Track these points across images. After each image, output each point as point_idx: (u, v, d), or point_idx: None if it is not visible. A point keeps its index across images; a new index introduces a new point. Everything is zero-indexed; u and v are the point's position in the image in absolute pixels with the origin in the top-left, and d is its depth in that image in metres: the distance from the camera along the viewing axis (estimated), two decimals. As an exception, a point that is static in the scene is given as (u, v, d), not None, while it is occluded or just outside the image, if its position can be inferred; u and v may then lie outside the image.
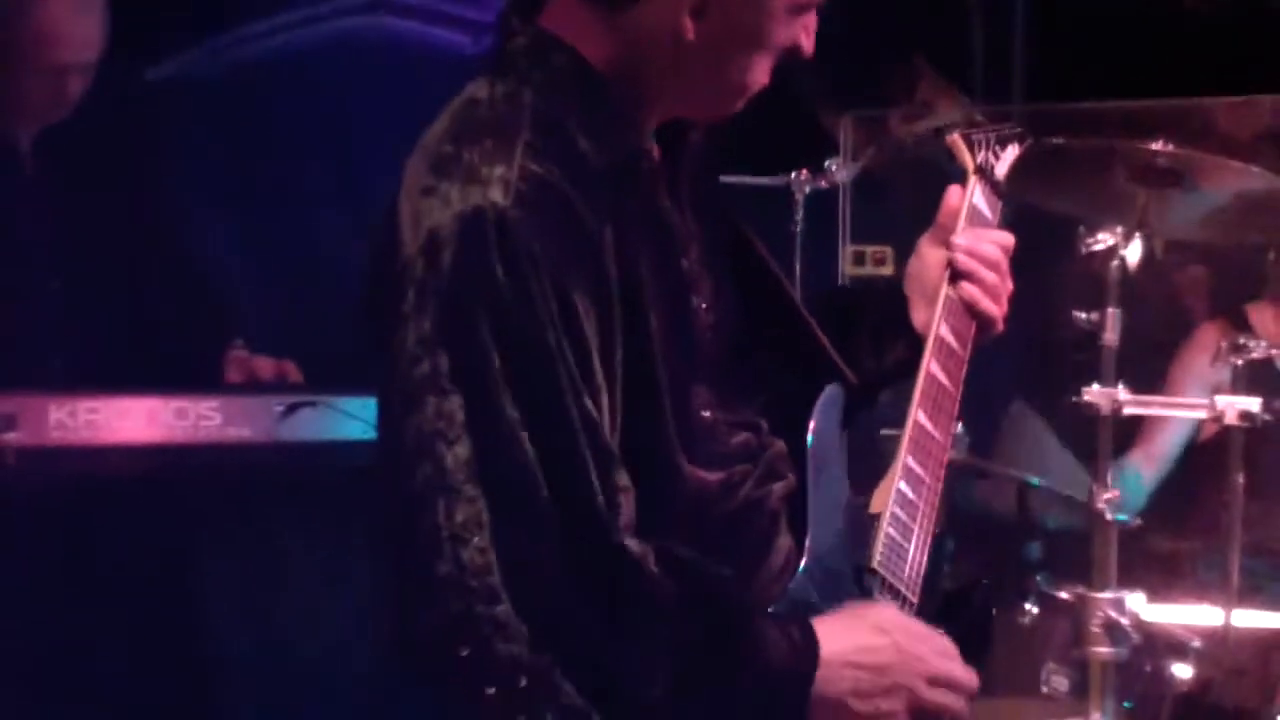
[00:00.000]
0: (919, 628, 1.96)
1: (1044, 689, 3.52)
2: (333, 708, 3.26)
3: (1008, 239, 2.31)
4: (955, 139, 2.52)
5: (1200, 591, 3.74)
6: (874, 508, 2.08)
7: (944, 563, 2.20)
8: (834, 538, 2.03)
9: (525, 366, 1.72)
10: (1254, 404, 3.37)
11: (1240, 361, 3.63)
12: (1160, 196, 3.46)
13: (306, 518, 3.19)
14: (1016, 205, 4.75)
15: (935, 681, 1.91)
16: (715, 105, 2.00)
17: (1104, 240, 3.49)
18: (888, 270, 4.31)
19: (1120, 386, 3.40)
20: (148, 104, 3.72)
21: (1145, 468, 4.31)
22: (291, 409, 3.14)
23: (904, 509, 2.08)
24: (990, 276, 2.25)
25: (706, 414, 1.96)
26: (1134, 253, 3.50)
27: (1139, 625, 3.34)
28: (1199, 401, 3.60)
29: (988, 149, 2.52)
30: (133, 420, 3.03)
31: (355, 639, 3.13)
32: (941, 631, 2.01)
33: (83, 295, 3.41)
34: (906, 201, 4.35)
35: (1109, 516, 3.39)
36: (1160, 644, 3.40)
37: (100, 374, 3.25)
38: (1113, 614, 3.33)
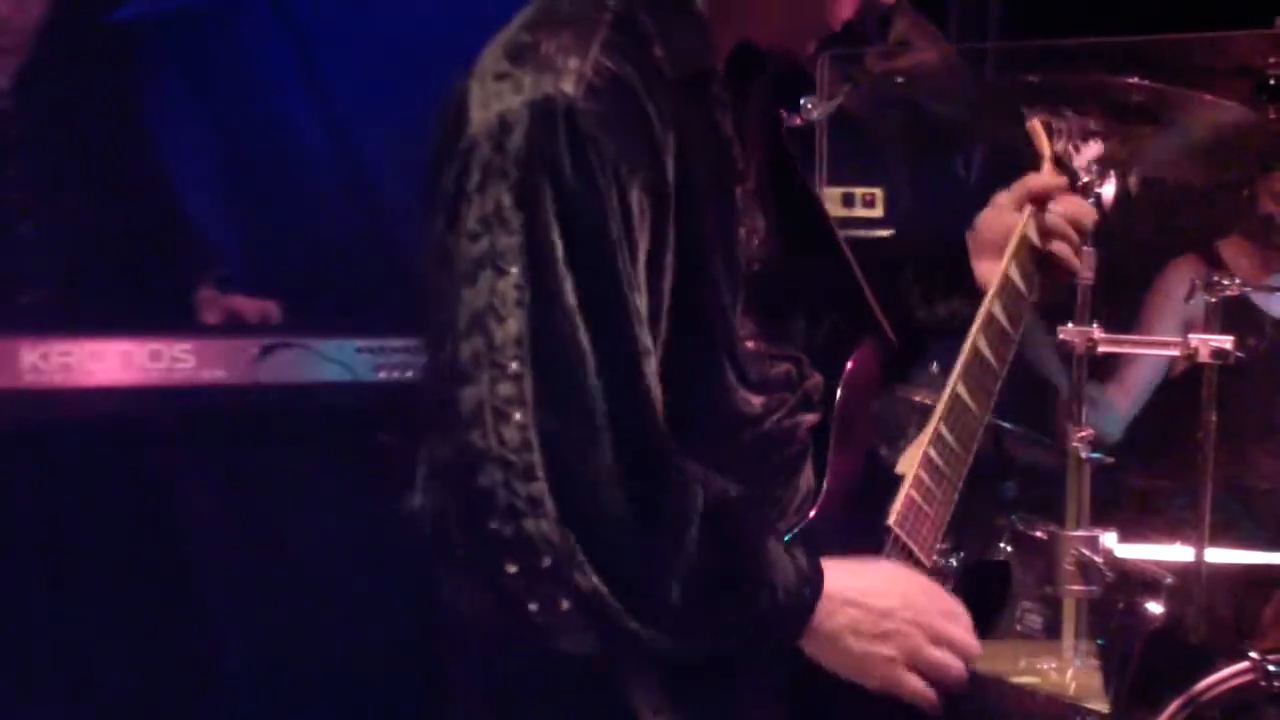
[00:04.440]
0: (929, 585, 1.98)
1: (1018, 627, 3.55)
2: (312, 647, 3.26)
3: (1093, 213, 2.50)
4: (1035, 124, 2.58)
5: (1173, 529, 3.76)
6: (900, 468, 2.09)
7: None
8: (853, 490, 2.05)
9: (587, 253, 1.76)
10: (1227, 341, 3.37)
11: (1214, 298, 3.64)
12: (1136, 133, 3.45)
13: (284, 460, 3.18)
14: (991, 144, 4.75)
15: (936, 639, 1.92)
16: (789, 36, 2.03)
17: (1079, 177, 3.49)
18: (877, 212, 4.30)
19: (1095, 325, 3.41)
20: (120, 43, 3.68)
21: (1120, 401, 4.33)
22: (267, 351, 3.12)
23: (930, 475, 2.09)
24: (1077, 241, 2.43)
25: (750, 344, 2.00)
26: (1109, 190, 3.50)
27: (1112, 563, 3.36)
28: (1173, 339, 3.60)
29: (1068, 139, 2.58)
30: (107, 363, 3.01)
31: (334, 581, 3.13)
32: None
33: (57, 233, 3.38)
34: (886, 141, 4.34)
35: (1082, 455, 3.41)
36: (1133, 581, 3.42)
37: (72, 313, 3.24)
38: (1086, 552, 3.35)
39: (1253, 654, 3.31)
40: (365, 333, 3.16)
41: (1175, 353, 3.49)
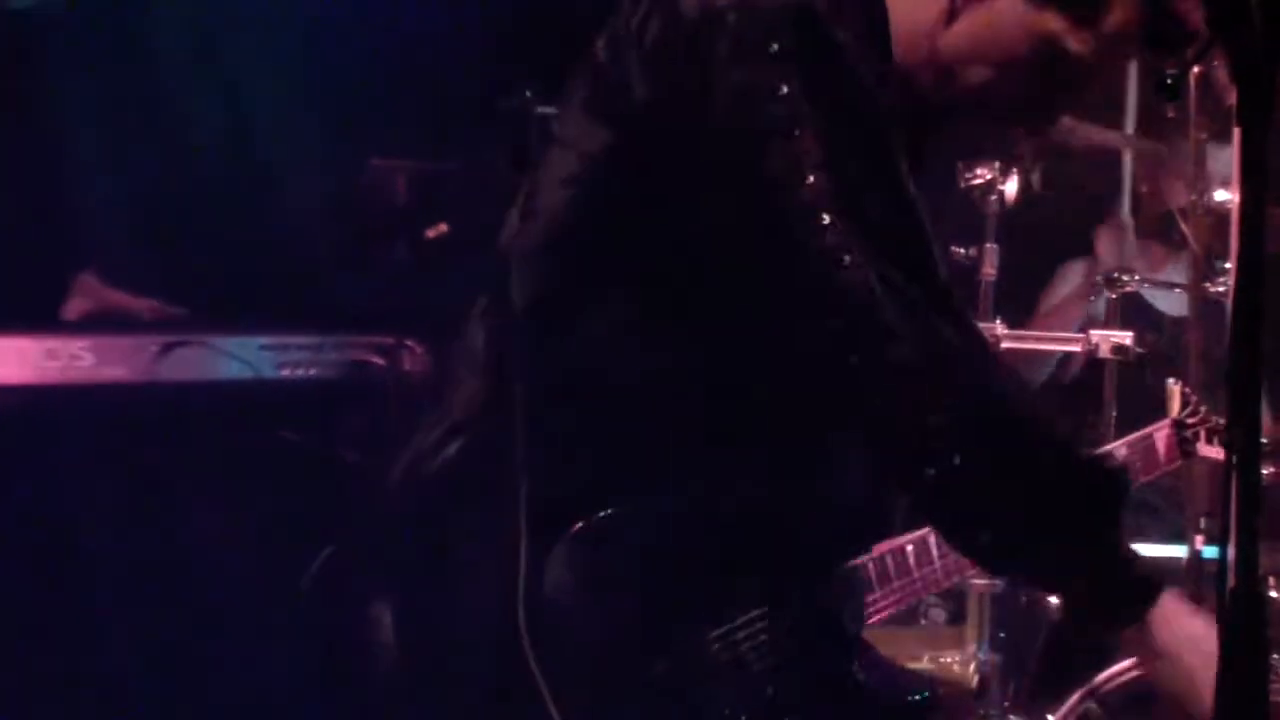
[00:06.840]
0: None
1: (922, 620, 3.57)
2: (211, 649, 3.22)
3: None
4: (1174, 388, 2.85)
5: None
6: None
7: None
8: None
9: (861, 129, 1.80)
10: (1127, 337, 3.41)
11: (1115, 295, 3.69)
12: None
13: (184, 460, 3.14)
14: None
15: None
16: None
17: (982, 175, 3.52)
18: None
19: (998, 321, 3.43)
20: (11, 33, 3.61)
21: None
22: (168, 348, 3.08)
23: (895, 563, 2.14)
24: None
25: None
26: (1012, 187, 3.53)
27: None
28: (1074, 335, 3.64)
29: (1201, 421, 2.81)
30: (1, 361, 2.96)
31: (233, 580, 3.10)
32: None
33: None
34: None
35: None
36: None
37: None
38: (989, 546, 3.37)
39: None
40: (267, 330, 3.13)
41: (1077, 348, 3.53)
